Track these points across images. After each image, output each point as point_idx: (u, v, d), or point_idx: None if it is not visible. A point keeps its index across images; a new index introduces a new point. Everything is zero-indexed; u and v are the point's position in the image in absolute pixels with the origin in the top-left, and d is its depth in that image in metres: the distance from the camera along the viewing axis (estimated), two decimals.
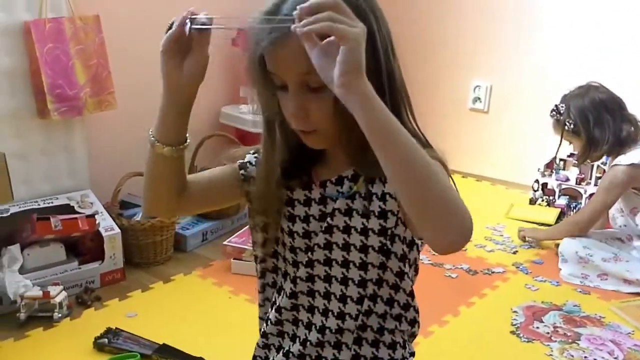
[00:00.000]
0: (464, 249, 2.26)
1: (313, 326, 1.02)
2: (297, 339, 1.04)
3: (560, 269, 2.09)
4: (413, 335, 1.05)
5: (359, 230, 0.93)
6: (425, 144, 0.91)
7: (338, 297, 0.99)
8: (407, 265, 0.96)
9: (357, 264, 0.96)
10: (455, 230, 0.75)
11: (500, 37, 2.81)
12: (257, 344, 1.10)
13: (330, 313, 1.00)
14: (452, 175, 0.88)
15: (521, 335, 1.74)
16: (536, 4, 2.71)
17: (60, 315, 1.79)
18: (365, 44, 0.73)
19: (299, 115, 0.86)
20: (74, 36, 2.01)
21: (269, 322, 1.06)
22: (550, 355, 1.65)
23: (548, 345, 1.70)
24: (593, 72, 2.60)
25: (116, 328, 1.71)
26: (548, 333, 1.75)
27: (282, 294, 1.03)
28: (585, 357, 1.64)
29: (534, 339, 1.72)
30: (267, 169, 0.96)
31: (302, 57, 0.77)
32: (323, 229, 0.95)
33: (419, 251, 0.99)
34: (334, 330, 1.00)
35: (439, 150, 0.91)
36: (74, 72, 2.01)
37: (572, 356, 1.64)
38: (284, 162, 0.97)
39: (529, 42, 2.75)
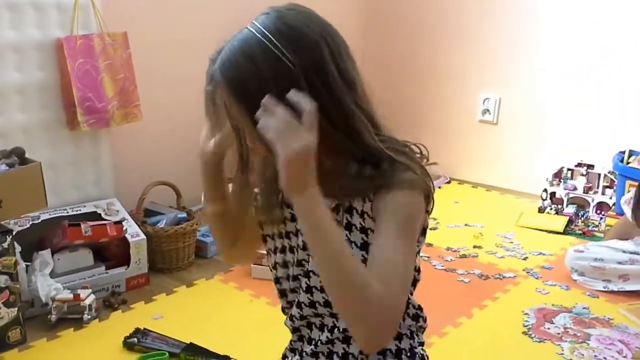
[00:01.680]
0: (474, 255, 2.34)
1: (325, 327, 1.08)
2: (312, 340, 1.10)
3: (577, 280, 2.12)
4: (422, 328, 1.11)
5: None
6: (388, 158, 0.94)
7: None
8: None
9: None
10: (362, 334, 0.85)
11: (509, 51, 2.90)
12: (287, 347, 1.17)
13: (338, 315, 1.05)
14: (432, 194, 0.96)
15: (533, 335, 1.81)
16: (545, 18, 2.80)
17: (89, 317, 1.87)
18: (308, 153, 0.83)
19: (254, 150, 0.98)
20: (103, 52, 2.12)
21: (291, 326, 1.13)
22: (562, 354, 1.72)
23: (559, 344, 1.76)
24: (602, 85, 2.70)
25: (144, 328, 1.78)
26: (559, 333, 1.81)
27: (292, 303, 1.10)
28: (595, 355, 1.70)
29: (545, 339, 1.79)
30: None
31: (230, 109, 0.94)
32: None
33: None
34: (341, 330, 1.06)
35: (417, 167, 0.95)
36: (103, 85, 2.12)
37: (583, 355, 1.71)
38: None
39: (536, 56, 2.84)
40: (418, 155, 1.00)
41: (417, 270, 1.08)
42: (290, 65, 0.89)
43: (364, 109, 0.95)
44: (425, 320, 1.10)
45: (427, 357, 1.13)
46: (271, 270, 1.13)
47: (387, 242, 0.91)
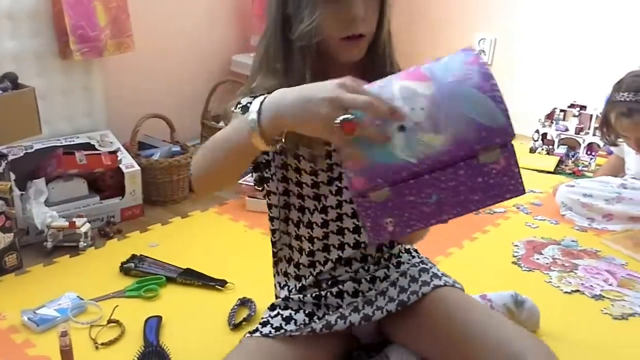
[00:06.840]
0: None
1: (346, 244, 1.13)
2: (330, 261, 1.14)
3: (564, 215, 2.16)
4: None
5: None
6: None
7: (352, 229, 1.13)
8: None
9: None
10: None
11: None
12: (289, 273, 1.19)
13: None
14: None
15: (522, 265, 1.85)
16: None
17: (85, 244, 1.88)
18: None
19: (363, 16, 0.97)
20: None
21: (302, 252, 1.16)
22: (550, 282, 1.76)
23: (547, 273, 1.80)
24: (597, 25, 2.68)
25: (141, 254, 1.80)
26: (547, 263, 1.86)
27: (313, 226, 1.12)
28: (582, 283, 1.75)
29: (534, 269, 1.83)
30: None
31: None
32: (326, 166, 1.08)
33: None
34: (352, 229, 1.12)
35: None
36: (95, 14, 2.07)
37: (570, 283, 1.75)
38: None
39: None
40: None
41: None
42: None
43: None
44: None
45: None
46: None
47: None
